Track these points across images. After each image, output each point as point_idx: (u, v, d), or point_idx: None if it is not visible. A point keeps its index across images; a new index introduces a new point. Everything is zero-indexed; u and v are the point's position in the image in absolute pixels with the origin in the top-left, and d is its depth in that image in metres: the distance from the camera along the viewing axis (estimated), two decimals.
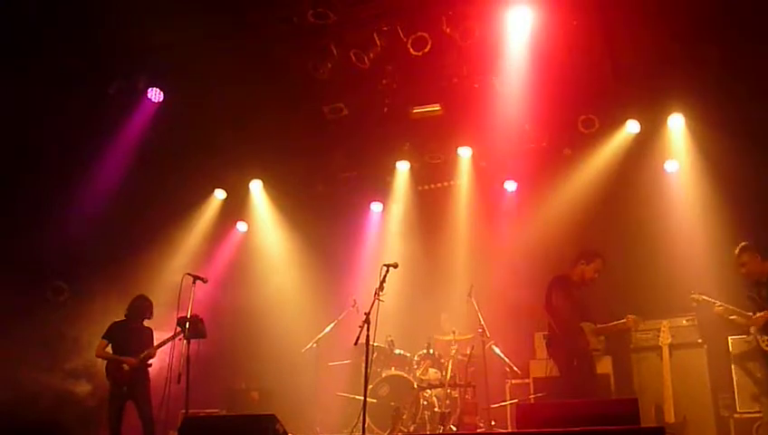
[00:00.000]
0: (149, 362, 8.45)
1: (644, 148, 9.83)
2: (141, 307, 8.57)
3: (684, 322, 8.66)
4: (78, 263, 9.76)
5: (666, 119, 9.60)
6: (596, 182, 9.92)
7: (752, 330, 7.83)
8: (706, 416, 8.32)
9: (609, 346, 9.07)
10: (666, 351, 8.31)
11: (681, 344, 8.56)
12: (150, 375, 8.49)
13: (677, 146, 9.70)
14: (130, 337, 8.44)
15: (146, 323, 8.66)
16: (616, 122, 9.77)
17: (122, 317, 8.61)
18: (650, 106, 9.44)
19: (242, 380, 10.49)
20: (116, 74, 8.88)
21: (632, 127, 9.75)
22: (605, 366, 8.92)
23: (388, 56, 8.61)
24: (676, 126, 9.62)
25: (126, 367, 8.28)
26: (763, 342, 7.69)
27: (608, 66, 8.66)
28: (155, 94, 9.18)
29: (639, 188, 9.90)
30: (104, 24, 7.99)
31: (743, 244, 7.95)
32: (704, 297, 8.15)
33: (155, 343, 8.44)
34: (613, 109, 9.54)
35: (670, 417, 8.02)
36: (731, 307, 7.93)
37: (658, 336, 8.44)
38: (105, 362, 8.42)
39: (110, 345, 8.46)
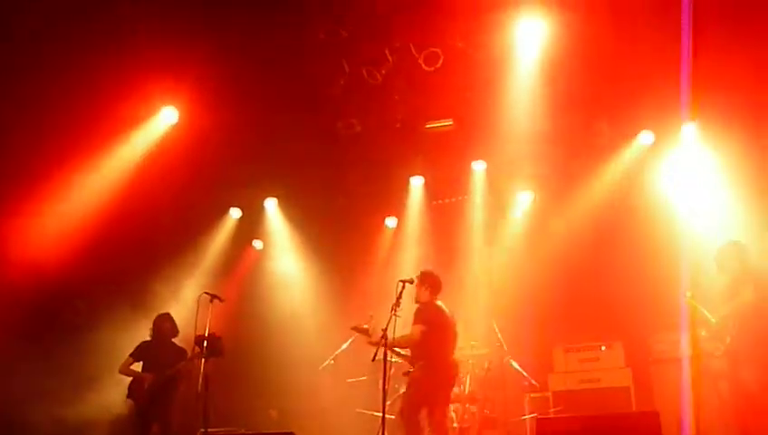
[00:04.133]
0: (176, 383, 8.22)
1: (658, 158, 9.78)
2: (162, 327, 8.46)
3: (704, 333, 8.55)
4: (95, 282, 9.79)
5: (680, 128, 9.56)
6: (611, 193, 9.88)
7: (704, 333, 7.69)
8: (728, 429, 8.20)
9: (628, 359, 9.00)
10: (686, 363, 8.23)
11: (702, 356, 8.44)
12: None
13: (692, 156, 9.63)
14: (158, 356, 8.29)
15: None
16: (629, 133, 9.75)
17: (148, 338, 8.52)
18: (664, 116, 9.39)
19: (260, 398, 10.48)
20: (131, 93, 8.96)
21: (646, 137, 9.72)
22: (625, 379, 8.86)
23: (400, 72, 8.66)
24: (691, 136, 9.56)
25: (145, 384, 8.15)
26: (716, 348, 7.50)
27: (620, 76, 8.64)
28: (169, 114, 9.25)
29: (655, 199, 9.85)
30: (120, 43, 8.07)
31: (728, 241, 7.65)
32: (692, 301, 7.85)
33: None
34: (626, 119, 9.51)
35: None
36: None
37: (678, 348, 8.36)
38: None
39: (135, 363, 8.34)
